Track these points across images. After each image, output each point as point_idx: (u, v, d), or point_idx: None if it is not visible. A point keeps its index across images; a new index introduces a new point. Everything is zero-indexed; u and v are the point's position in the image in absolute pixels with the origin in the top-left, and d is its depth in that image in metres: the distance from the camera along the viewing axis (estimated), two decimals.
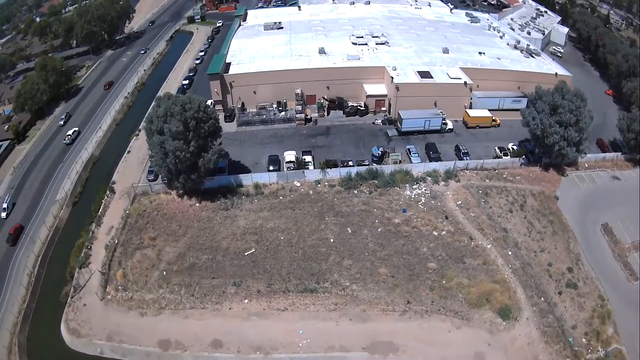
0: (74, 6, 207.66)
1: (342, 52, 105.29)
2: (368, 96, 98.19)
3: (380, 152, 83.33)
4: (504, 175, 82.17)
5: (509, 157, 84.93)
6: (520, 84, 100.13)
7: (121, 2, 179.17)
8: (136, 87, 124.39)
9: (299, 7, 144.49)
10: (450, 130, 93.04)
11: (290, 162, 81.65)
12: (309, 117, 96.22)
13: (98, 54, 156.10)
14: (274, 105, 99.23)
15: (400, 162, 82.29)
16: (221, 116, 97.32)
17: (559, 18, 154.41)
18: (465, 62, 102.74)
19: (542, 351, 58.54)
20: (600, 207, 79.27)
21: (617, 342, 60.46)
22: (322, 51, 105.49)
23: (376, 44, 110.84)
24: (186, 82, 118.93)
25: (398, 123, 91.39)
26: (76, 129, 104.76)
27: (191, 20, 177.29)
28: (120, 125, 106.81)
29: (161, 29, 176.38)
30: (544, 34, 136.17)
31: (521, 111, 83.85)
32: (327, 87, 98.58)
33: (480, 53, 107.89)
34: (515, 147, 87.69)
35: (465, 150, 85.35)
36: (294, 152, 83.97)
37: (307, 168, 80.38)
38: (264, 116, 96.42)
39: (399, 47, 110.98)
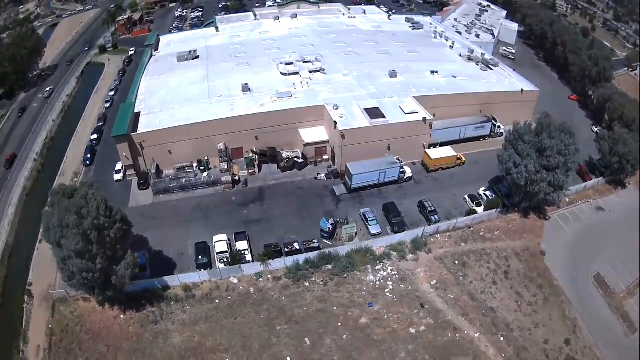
0: None
1: (271, 88, 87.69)
2: (306, 145, 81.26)
3: (331, 226, 66.65)
4: (481, 233, 68.58)
5: (482, 207, 71.09)
6: (482, 106, 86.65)
7: (31, 38, 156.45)
8: (45, 144, 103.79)
9: (217, 27, 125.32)
10: (409, 179, 77.91)
11: (222, 252, 64.35)
12: (237, 177, 79.03)
13: (12, 99, 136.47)
14: (195, 165, 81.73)
15: (355, 235, 66.75)
16: (134, 182, 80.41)
17: (505, 12, 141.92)
18: (418, 87, 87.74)
19: None
20: (589, 254, 69.98)
21: None
22: (246, 88, 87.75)
23: (310, 72, 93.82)
24: (95, 136, 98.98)
25: (347, 178, 74.96)
26: None
27: (103, 49, 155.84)
28: (31, 195, 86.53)
29: (73, 62, 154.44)
30: (493, 35, 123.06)
31: (498, 156, 69.14)
32: (256, 137, 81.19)
33: (432, 72, 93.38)
34: (487, 193, 73.96)
35: (432, 208, 70.02)
36: (225, 237, 66.52)
37: (244, 261, 63.32)
38: (184, 180, 78.39)
39: (338, 73, 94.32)
